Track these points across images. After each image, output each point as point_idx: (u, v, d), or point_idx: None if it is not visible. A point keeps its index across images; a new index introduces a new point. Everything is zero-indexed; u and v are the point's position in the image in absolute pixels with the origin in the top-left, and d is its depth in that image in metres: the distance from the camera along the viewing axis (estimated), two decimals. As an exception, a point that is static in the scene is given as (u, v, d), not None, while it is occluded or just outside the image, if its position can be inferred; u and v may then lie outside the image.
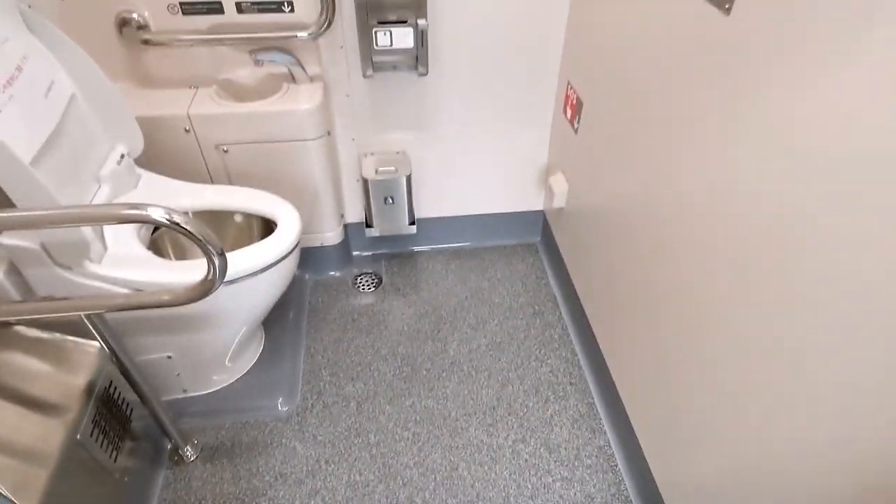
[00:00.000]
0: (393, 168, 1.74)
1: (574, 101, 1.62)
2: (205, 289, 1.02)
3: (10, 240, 1.11)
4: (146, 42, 1.48)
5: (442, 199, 2.00)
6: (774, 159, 0.82)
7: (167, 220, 0.91)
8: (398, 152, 1.82)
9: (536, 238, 2.17)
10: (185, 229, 0.93)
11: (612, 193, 1.43)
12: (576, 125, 1.62)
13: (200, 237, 0.94)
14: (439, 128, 1.80)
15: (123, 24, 1.47)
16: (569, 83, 1.65)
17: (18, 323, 1.20)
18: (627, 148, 1.31)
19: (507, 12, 1.59)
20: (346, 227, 1.97)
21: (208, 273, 0.99)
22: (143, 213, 0.92)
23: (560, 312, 1.88)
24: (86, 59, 1.26)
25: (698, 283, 1.05)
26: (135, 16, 1.47)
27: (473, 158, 1.90)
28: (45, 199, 1.04)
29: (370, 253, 2.11)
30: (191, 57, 1.55)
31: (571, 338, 1.80)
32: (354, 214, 1.98)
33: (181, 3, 1.47)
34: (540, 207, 2.08)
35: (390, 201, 1.77)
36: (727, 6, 0.92)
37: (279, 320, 1.79)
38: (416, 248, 2.13)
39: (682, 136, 1.08)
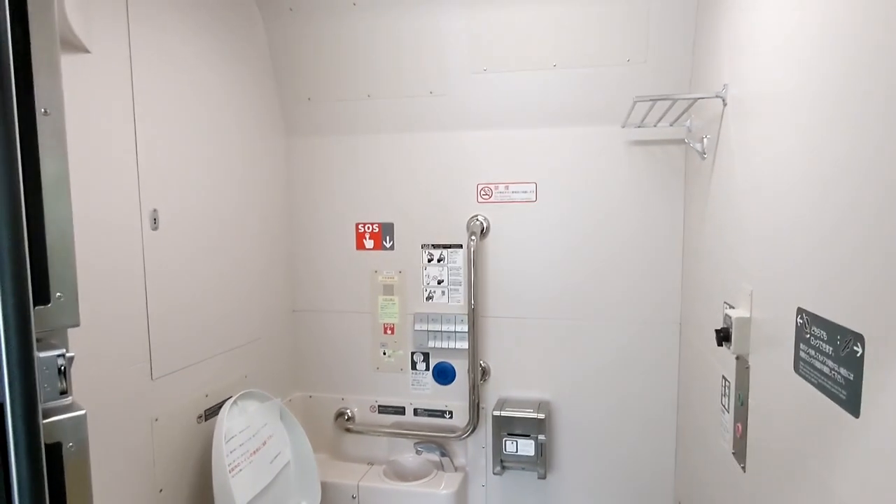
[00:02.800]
0: (511, 561, 1.90)
1: (683, 525, 1.71)
2: None
3: (210, 564, 1.55)
4: (348, 430, 2.12)
5: None
6: None
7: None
8: (521, 547, 1.99)
9: None
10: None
11: None
12: (686, 550, 1.67)
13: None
14: (562, 529, 1.98)
15: (339, 415, 2.16)
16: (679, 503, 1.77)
17: None
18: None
19: (620, 436, 1.91)
20: None
21: None
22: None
23: None
24: (305, 439, 1.88)
25: None
26: (347, 411, 2.15)
27: (597, 567, 1.95)
28: (241, 537, 1.50)
29: None
30: (374, 442, 2.13)
31: None
32: None
33: (379, 406, 2.13)
34: None
35: None
36: (742, 465, 1.14)
37: None
38: None
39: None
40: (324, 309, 2.16)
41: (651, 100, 1.37)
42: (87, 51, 1.20)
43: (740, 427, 1.16)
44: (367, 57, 1.91)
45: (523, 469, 1.95)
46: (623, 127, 1.70)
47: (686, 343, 1.77)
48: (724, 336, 1.16)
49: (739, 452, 1.16)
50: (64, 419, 0.71)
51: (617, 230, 1.86)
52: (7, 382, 0.65)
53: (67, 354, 0.72)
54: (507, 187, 1.93)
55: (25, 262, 0.65)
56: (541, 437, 1.86)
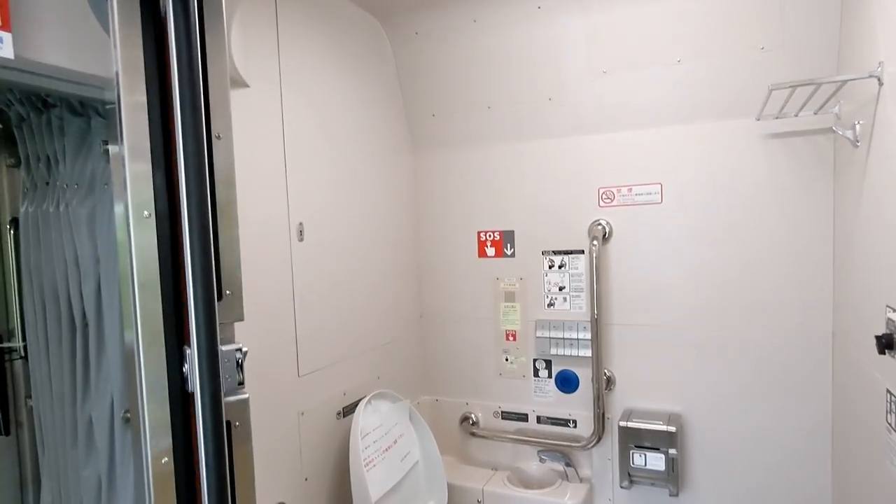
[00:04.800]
0: (643, 581, 1.81)
1: (845, 559, 1.52)
2: None
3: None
4: (473, 434, 2.17)
5: None
6: None
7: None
8: (654, 567, 1.89)
9: None
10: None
11: None
12: (849, 587, 1.48)
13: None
14: (700, 552, 1.85)
15: (464, 419, 2.22)
16: (840, 537, 1.58)
17: None
18: None
19: (764, 457, 1.75)
20: None
21: None
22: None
23: None
24: (432, 441, 1.96)
25: None
26: (472, 416, 2.20)
27: None
28: (374, 528, 1.60)
29: None
30: (498, 448, 2.16)
31: None
32: None
33: (502, 412, 2.16)
34: None
35: None
36: (915, 491, 1.01)
37: None
38: None
39: None
40: (448, 315, 2.24)
41: (790, 86, 1.27)
42: (247, 85, 1.39)
43: (912, 447, 1.02)
44: (486, 70, 1.97)
45: (653, 485, 1.86)
46: (758, 119, 1.58)
47: (840, 354, 1.59)
48: (886, 343, 1.03)
49: (912, 476, 1.02)
50: (232, 401, 0.83)
51: (755, 230, 1.72)
52: (197, 374, 0.76)
53: (244, 349, 0.83)
54: (629, 190, 1.87)
55: (212, 270, 0.76)
56: (671, 451, 1.76)
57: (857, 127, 1.35)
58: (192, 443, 0.94)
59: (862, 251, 1.36)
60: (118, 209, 0.83)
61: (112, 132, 0.89)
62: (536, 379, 2.10)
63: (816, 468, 1.70)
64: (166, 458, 0.82)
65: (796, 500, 1.73)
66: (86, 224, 1.34)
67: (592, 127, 1.90)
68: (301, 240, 1.63)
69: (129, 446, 1.38)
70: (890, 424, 1.14)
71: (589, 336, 1.95)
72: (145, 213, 0.75)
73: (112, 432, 1.40)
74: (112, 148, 1.05)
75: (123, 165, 0.76)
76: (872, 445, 1.28)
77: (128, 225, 0.75)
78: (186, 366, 0.81)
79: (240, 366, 0.82)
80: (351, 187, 1.87)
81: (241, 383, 0.83)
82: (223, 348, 0.79)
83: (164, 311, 0.85)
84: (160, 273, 0.78)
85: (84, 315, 1.40)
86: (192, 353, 0.77)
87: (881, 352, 1.04)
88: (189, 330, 0.77)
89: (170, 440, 0.87)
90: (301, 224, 1.63)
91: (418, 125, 2.18)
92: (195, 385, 0.76)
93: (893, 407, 1.12)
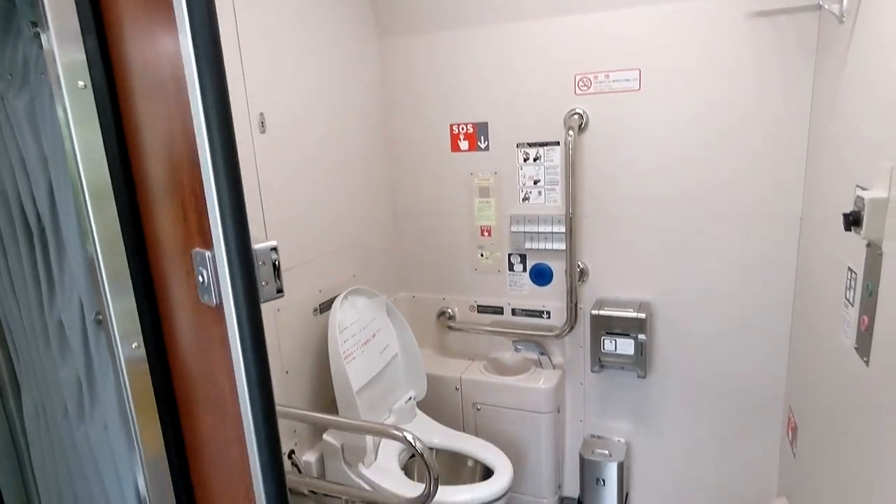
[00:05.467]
0: (607, 452, 1.96)
1: (793, 425, 1.65)
2: (419, 501, 1.43)
3: (327, 437, 1.76)
4: (450, 328, 2.23)
5: (659, 497, 2.04)
6: None
7: (412, 443, 1.40)
8: (619, 440, 2.04)
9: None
10: (420, 452, 1.40)
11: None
12: (794, 449, 1.62)
13: (427, 461, 1.39)
14: (657, 426, 1.99)
15: (441, 314, 2.27)
16: (790, 408, 1.70)
17: (308, 492, 1.79)
18: (843, 472, 1.31)
19: (727, 338, 1.84)
20: (562, 500, 2.16)
21: (425, 489, 1.41)
22: (400, 434, 1.44)
23: None
24: (410, 334, 2.00)
25: None
26: (449, 310, 2.25)
27: (691, 464, 1.97)
28: (355, 416, 1.67)
29: (588, 534, 2.19)
30: (474, 340, 2.23)
31: None
32: (571, 491, 2.18)
33: (478, 306, 2.21)
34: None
35: (601, 483, 1.95)
36: (865, 359, 1.07)
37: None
38: (635, 544, 2.12)
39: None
40: (422, 212, 2.21)
41: (779, -47, 1.18)
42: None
43: (866, 319, 1.06)
44: (454, -56, 1.81)
45: (622, 368, 1.96)
46: (743, -5, 1.49)
47: (807, 238, 1.62)
48: (853, 220, 1.04)
49: (863, 347, 1.08)
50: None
51: (731, 115, 1.69)
52: (229, 281, 0.66)
53: (277, 247, 0.69)
54: (606, 76, 1.80)
55: (235, 149, 0.64)
56: (641, 336, 1.84)
57: (845, 1, 1.28)
58: (164, 341, 0.93)
59: (836, 133, 1.35)
60: (58, 100, 0.75)
61: (37, 11, 0.79)
62: (511, 273, 2.13)
63: (774, 348, 1.79)
64: (139, 346, 0.81)
65: (754, 377, 1.84)
66: (26, 119, 1.24)
67: (567, 7, 1.78)
68: (263, 132, 1.55)
69: (104, 344, 1.38)
70: (847, 300, 1.19)
71: (563, 229, 1.96)
72: (80, 83, 0.68)
73: (85, 333, 1.38)
74: (44, 35, 0.94)
75: (48, 32, 0.68)
76: (828, 321, 1.34)
77: (62, 98, 0.68)
78: (204, 272, 0.67)
79: (276, 269, 0.70)
80: (314, 75, 1.76)
81: (280, 290, 0.70)
82: (256, 248, 0.67)
83: (117, 204, 0.81)
84: (107, 154, 0.72)
85: (39, 219, 1.33)
86: (219, 255, 0.62)
87: (847, 228, 1.05)
88: (210, 228, 0.64)
89: (140, 338, 0.86)
90: (262, 115, 1.54)
91: (382, 8, 2.02)
92: (225, 293, 0.63)
93: (852, 283, 1.16)
